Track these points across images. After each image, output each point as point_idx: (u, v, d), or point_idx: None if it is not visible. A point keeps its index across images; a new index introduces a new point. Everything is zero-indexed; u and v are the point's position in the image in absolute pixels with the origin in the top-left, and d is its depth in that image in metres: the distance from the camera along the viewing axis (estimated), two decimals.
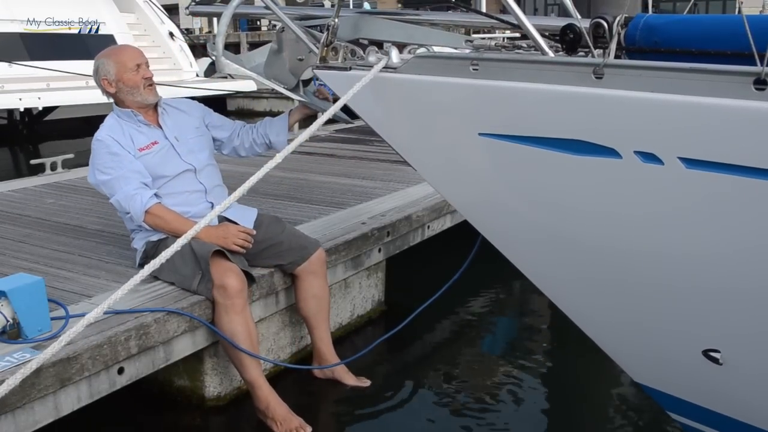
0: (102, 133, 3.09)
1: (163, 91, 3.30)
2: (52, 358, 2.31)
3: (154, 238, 3.09)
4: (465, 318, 4.23)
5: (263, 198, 4.49)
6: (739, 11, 1.68)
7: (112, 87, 3.08)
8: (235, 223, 3.15)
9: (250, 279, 3.05)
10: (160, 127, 3.17)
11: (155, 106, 3.19)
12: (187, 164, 3.15)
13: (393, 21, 2.65)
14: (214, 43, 2.69)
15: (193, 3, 3.38)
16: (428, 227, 4.43)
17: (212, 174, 3.27)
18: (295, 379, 3.35)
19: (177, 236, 2.97)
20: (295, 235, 3.32)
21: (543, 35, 1.98)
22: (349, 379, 3.30)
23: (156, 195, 3.03)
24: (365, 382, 3.31)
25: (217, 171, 3.33)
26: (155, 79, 3.17)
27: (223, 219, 3.14)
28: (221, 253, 2.93)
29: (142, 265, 3.12)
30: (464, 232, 2.91)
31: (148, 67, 3.12)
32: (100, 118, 3.18)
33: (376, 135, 2.45)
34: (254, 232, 3.13)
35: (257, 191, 4.22)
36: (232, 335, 2.87)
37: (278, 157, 2.13)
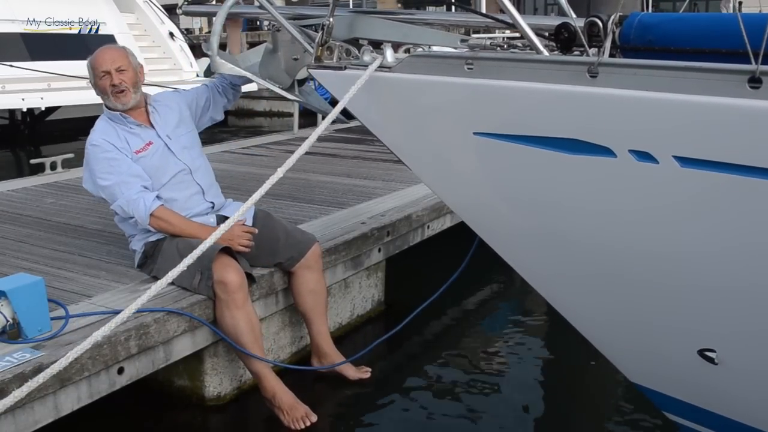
0: (96, 137, 3.05)
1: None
2: (50, 358, 2.33)
3: (153, 238, 3.10)
4: (464, 317, 4.23)
5: (263, 197, 4.45)
6: (739, 9, 1.68)
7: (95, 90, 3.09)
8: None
9: (251, 280, 3.05)
10: (152, 126, 3.15)
11: (145, 106, 3.16)
12: (182, 164, 3.14)
13: (388, 20, 2.65)
14: (208, 42, 2.69)
15: (186, 3, 3.36)
16: (428, 227, 4.43)
17: (206, 173, 3.28)
18: (296, 376, 3.35)
19: (181, 237, 2.99)
20: (289, 231, 3.32)
21: (539, 34, 1.98)
22: (351, 372, 3.30)
23: (158, 197, 3.03)
24: (366, 373, 3.32)
25: (210, 168, 3.33)
26: (155, 79, 3.18)
27: (221, 217, 3.14)
28: (223, 250, 2.93)
29: (141, 266, 3.16)
30: (464, 231, 2.91)
31: (120, 72, 3.00)
32: None
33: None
34: (256, 231, 3.13)
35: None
36: (235, 330, 2.88)
37: (290, 161, 2.21)
